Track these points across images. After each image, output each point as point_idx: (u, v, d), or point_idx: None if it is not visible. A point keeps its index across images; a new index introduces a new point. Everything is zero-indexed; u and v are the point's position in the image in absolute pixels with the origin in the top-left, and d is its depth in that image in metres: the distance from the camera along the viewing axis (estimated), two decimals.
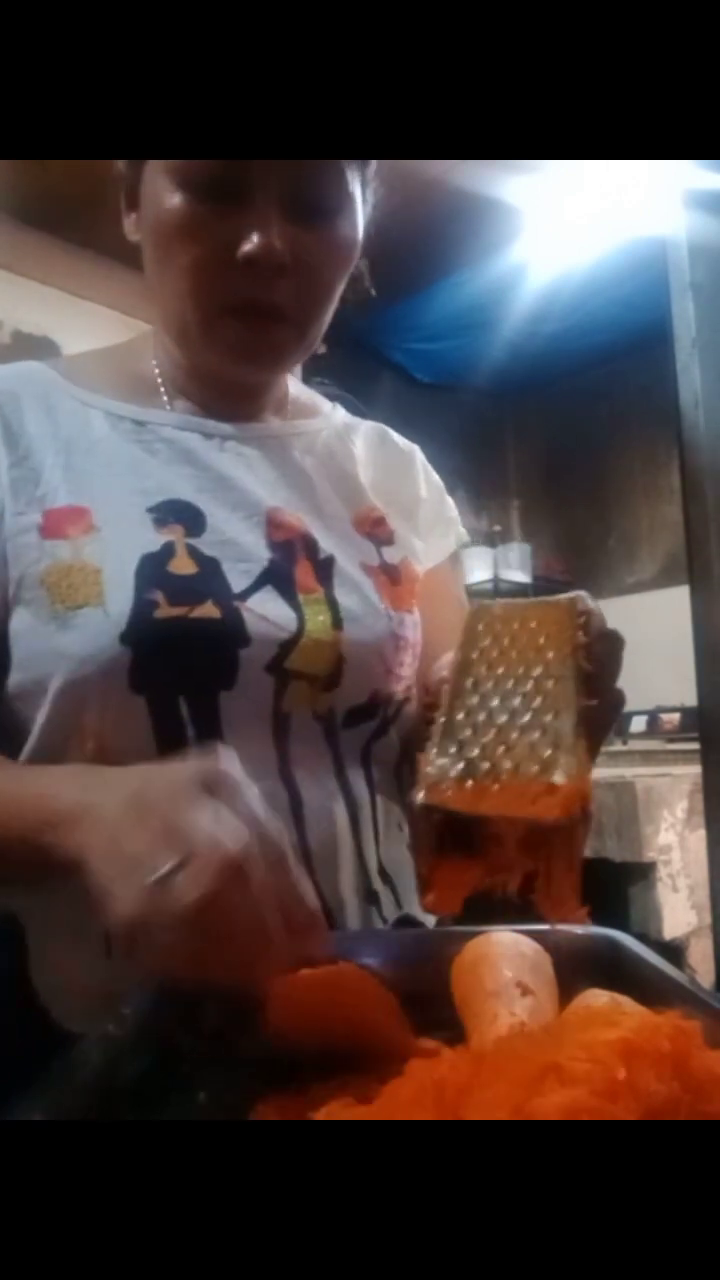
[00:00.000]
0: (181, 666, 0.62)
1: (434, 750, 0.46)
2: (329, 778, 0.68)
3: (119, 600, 0.61)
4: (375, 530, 0.76)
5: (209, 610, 0.63)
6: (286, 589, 0.67)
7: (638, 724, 3.77)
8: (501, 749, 0.45)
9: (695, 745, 1.11)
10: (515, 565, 4.36)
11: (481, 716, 0.47)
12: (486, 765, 0.44)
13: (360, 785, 0.70)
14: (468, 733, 0.46)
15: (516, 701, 0.47)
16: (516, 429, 4.94)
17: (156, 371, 0.73)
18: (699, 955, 1.56)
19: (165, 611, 0.62)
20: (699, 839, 1.59)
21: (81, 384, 0.71)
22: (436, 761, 0.45)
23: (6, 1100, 0.37)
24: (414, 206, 2.26)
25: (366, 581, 0.71)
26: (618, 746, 3.73)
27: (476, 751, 0.45)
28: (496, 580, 4.22)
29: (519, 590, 4.39)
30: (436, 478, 0.86)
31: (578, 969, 0.51)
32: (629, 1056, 0.33)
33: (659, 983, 0.47)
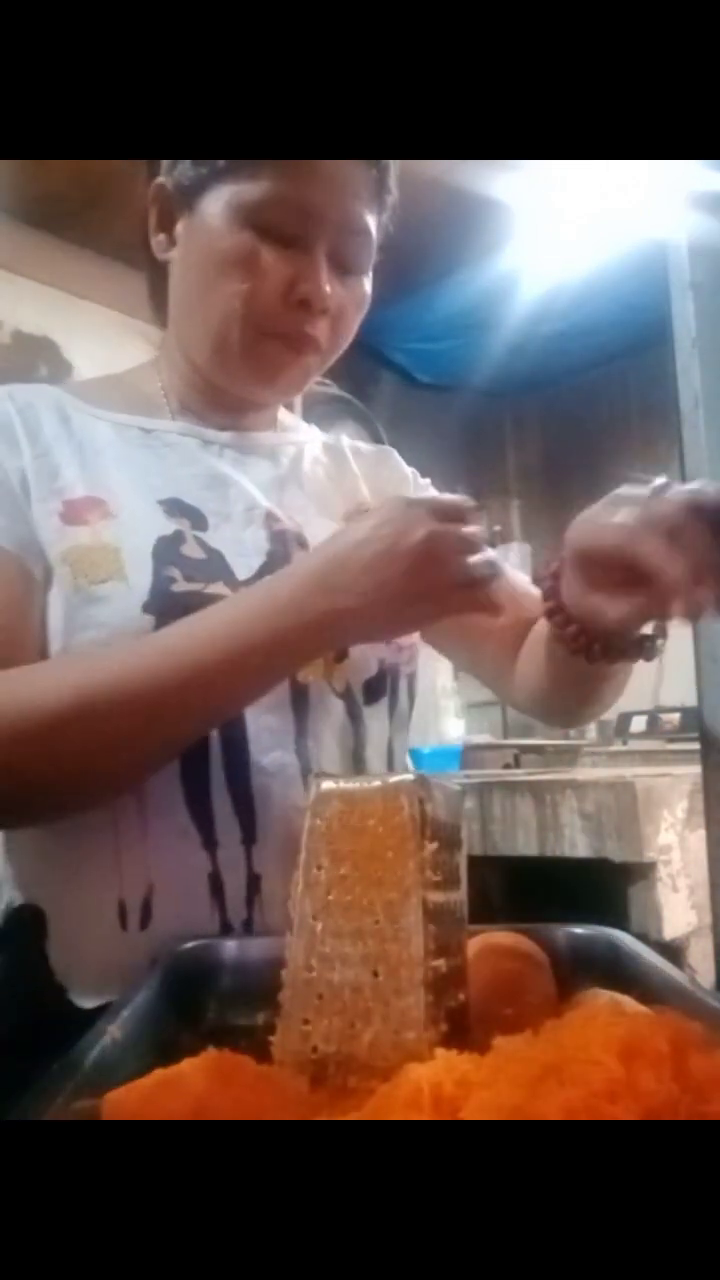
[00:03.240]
0: None
1: (284, 1023, 0.43)
2: (346, 756, 0.72)
3: (139, 575, 0.66)
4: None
5: (220, 589, 0.68)
6: None
7: (638, 724, 3.76)
8: (350, 1036, 0.42)
9: (695, 745, 1.11)
10: (515, 565, 4.35)
11: (326, 984, 0.43)
12: (336, 1060, 0.41)
13: (380, 769, 0.75)
14: (315, 1003, 0.43)
15: (359, 961, 0.43)
16: (516, 429, 4.94)
17: (162, 391, 0.80)
18: (699, 955, 1.55)
19: (182, 586, 0.67)
20: (699, 839, 1.58)
21: (90, 401, 0.77)
22: (286, 1044, 0.42)
23: (28, 1076, 0.37)
24: (414, 206, 2.26)
25: None
26: (618, 746, 3.73)
27: (322, 1039, 0.42)
28: None
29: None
30: (413, 471, 0.94)
31: (577, 968, 0.51)
32: (628, 1057, 0.33)
33: (659, 982, 0.47)
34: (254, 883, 0.65)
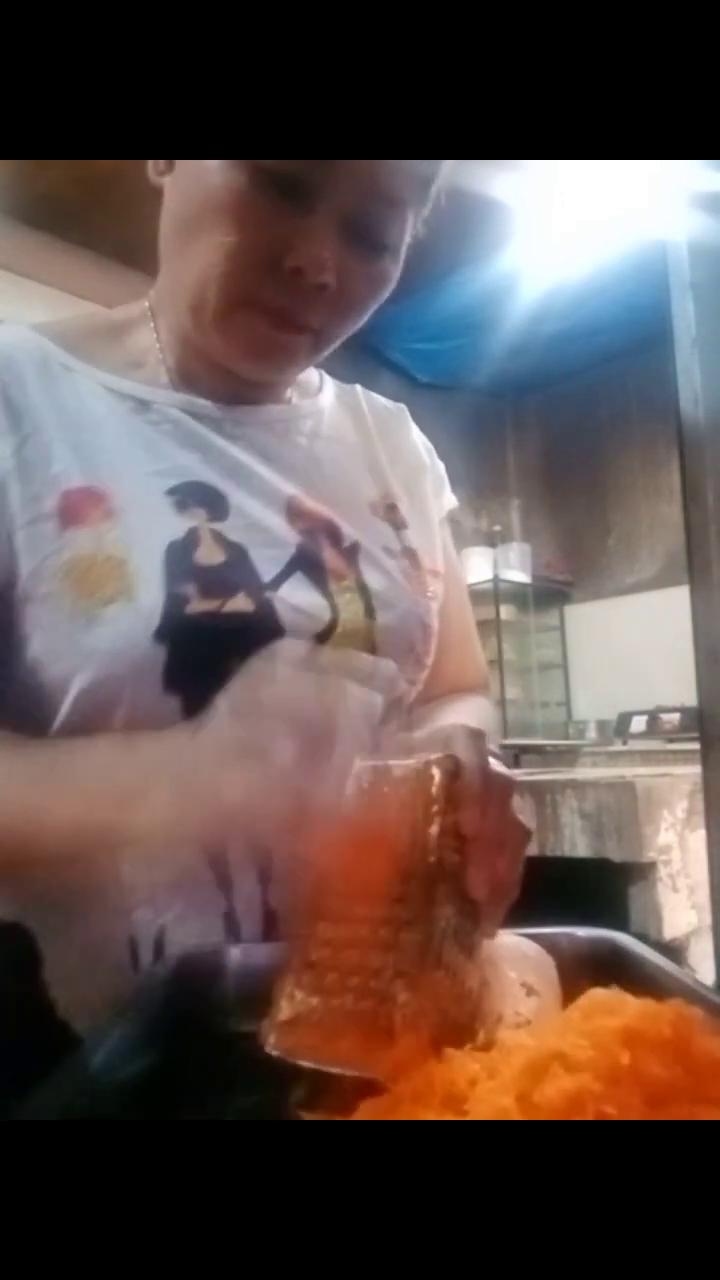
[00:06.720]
0: (217, 664, 0.58)
1: (287, 983, 0.44)
2: None
3: (149, 594, 0.58)
4: (390, 515, 0.74)
5: (241, 604, 0.61)
6: (317, 575, 0.65)
7: (638, 724, 3.78)
8: (354, 979, 0.42)
9: (695, 745, 1.11)
10: (515, 565, 4.37)
11: (336, 933, 0.44)
12: (334, 1003, 0.42)
13: None
14: (323, 954, 0.44)
15: (372, 913, 0.44)
16: (516, 429, 4.95)
17: (158, 345, 0.69)
18: (699, 955, 1.55)
19: (197, 606, 0.59)
20: (699, 839, 1.58)
21: (79, 355, 0.66)
22: (291, 996, 0.43)
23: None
24: None
25: (392, 564, 0.70)
26: (618, 746, 3.74)
27: (328, 981, 0.43)
28: (496, 580, 4.22)
29: (519, 590, 4.39)
30: (425, 438, 0.85)
31: (580, 972, 0.51)
32: (632, 1042, 0.33)
33: (663, 983, 0.47)
34: (270, 920, 0.62)
